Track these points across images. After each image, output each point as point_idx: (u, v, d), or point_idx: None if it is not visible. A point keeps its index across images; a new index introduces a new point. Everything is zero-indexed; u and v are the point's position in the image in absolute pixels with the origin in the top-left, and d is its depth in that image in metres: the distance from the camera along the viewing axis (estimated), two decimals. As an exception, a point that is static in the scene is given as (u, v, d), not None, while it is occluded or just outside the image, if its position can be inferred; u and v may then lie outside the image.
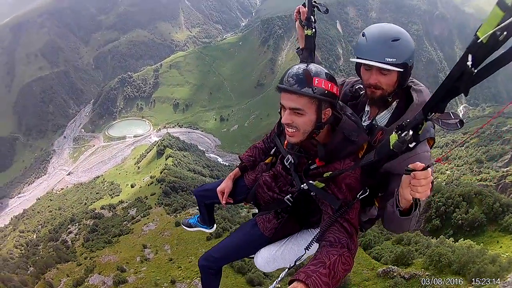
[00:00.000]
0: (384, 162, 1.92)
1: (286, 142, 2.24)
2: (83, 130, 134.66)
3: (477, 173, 60.13)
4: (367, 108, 2.45)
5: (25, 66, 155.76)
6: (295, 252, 2.47)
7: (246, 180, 2.79)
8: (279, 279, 1.96)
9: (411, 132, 1.57)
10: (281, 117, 2.22)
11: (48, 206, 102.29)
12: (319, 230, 2.01)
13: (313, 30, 2.69)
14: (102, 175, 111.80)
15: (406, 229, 2.06)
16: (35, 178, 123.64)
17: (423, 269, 17.53)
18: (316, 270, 1.66)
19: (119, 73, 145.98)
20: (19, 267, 47.42)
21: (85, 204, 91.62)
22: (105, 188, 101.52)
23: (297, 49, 3.00)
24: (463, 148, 78.37)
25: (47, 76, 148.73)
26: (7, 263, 66.98)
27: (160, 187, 66.93)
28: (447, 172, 70.11)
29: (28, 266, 47.35)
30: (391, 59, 2.01)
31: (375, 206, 2.36)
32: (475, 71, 1.17)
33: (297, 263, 2.21)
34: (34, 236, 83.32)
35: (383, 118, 2.32)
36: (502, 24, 1.02)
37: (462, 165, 71.15)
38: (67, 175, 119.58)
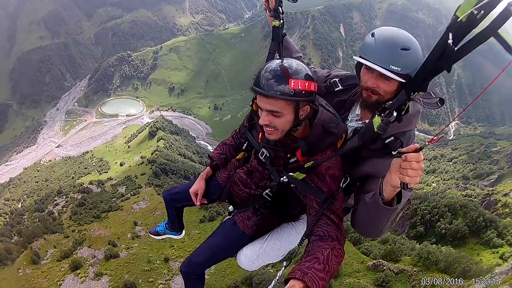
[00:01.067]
0: (367, 146, 1.95)
1: (260, 136, 2.21)
2: (76, 104, 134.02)
3: (463, 189, 60.96)
4: (357, 111, 2.36)
5: (26, 34, 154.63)
6: (278, 247, 2.47)
7: (219, 179, 2.73)
8: (277, 277, 1.93)
9: (395, 114, 1.59)
10: (251, 111, 2.35)
11: (35, 177, 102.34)
12: (307, 225, 1.99)
13: (281, 21, 2.59)
14: (91, 150, 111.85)
15: (381, 227, 1.98)
16: (24, 147, 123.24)
17: (411, 266, 18.21)
18: (311, 267, 1.65)
19: (118, 51, 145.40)
20: (3, 235, 47.37)
21: (73, 178, 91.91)
22: (93, 164, 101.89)
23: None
24: (451, 163, 79.52)
25: (47, 46, 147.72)
26: None
27: (151, 168, 67.32)
28: (433, 184, 71.31)
29: (13, 234, 47.43)
30: (396, 68, 1.91)
31: (351, 196, 2.39)
32: (456, 48, 1.23)
33: (284, 260, 2.23)
34: (19, 205, 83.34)
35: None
36: (480, 4, 1.08)
37: (448, 179, 72.22)
38: (56, 147, 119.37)
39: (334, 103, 2.32)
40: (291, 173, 2.03)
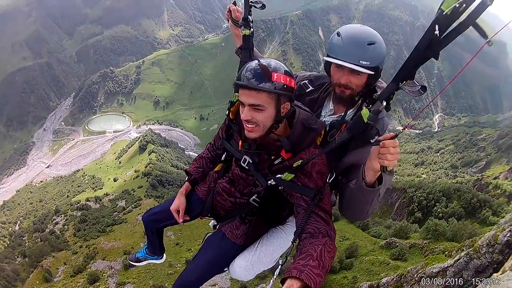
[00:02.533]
0: (356, 138, 2.02)
1: (240, 143, 2.21)
2: (63, 123, 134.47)
3: (452, 177, 61.56)
4: (330, 106, 2.47)
5: (9, 56, 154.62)
6: (271, 252, 2.48)
7: (199, 193, 2.69)
8: (274, 276, 1.96)
9: (384, 103, 1.71)
10: (226, 121, 2.39)
11: (29, 198, 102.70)
12: (296, 224, 2.04)
13: (251, 30, 2.64)
14: (82, 169, 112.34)
15: (366, 210, 2.11)
16: (14, 169, 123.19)
17: (421, 239, 19.35)
18: (306, 264, 1.67)
19: (101, 68, 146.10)
20: (7, 257, 47.50)
21: (68, 196, 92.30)
22: (86, 181, 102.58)
23: (235, 50, 2.92)
24: (438, 154, 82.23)
25: (30, 67, 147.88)
26: None
27: (147, 180, 68.20)
28: (423, 176, 72.25)
29: (15, 256, 47.26)
30: (365, 62, 2.05)
31: (333, 192, 2.47)
32: (441, 38, 1.40)
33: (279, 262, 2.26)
34: (17, 227, 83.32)
35: (348, 116, 2.37)
36: None
37: (437, 170, 74.32)
38: (46, 167, 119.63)
39: (306, 103, 2.43)
40: (279, 175, 2.06)
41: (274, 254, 2.49)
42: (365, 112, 1.79)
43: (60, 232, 56.03)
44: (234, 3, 2.76)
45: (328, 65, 2.29)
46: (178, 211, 2.61)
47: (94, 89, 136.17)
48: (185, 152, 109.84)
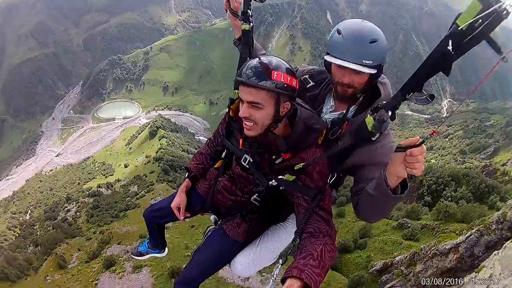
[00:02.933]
0: (358, 144, 2.01)
1: (241, 142, 2.19)
2: (71, 111, 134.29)
3: (461, 163, 61.88)
4: (331, 103, 2.43)
5: (15, 47, 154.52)
6: (271, 249, 2.49)
7: (200, 190, 2.69)
8: (274, 276, 1.92)
9: (389, 113, 1.67)
10: (226, 117, 2.38)
11: (39, 187, 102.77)
12: (297, 223, 2.02)
13: (250, 24, 2.58)
14: (91, 156, 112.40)
15: (388, 212, 2.08)
16: (23, 159, 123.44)
17: (432, 220, 19.66)
18: (307, 264, 1.66)
19: (108, 55, 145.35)
20: (19, 247, 47.46)
21: (79, 184, 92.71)
22: (96, 168, 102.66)
23: (233, 40, 2.89)
24: (447, 139, 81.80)
25: (36, 57, 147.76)
26: (1, 244, 67.64)
27: (159, 165, 67.86)
28: (432, 161, 71.65)
29: (27, 245, 47.17)
30: (368, 62, 1.99)
31: (335, 189, 2.52)
32: (454, 53, 1.34)
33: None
34: (28, 217, 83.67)
35: (350, 111, 2.33)
36: (480, 15, 1.17)
37: (446, 155, 74.00)
38: (56, 156, 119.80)
39: (307, 99, 2.40)
40: (280, 176, 2.05)
41: (275, 251, 2.50)
42: (369, 120, 1.77)
43: (72, 219, 56.42)
44: None
45: (329, 63, 2.20)
46: (178, 208, 2.60)
47: (102, 76, 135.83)
48: (195, 136, 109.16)
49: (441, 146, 79.62)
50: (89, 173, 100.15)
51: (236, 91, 2.17)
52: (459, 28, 1.28)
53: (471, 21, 1.23)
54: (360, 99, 2.27)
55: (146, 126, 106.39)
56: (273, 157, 2.07)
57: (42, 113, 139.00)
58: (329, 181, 2.06)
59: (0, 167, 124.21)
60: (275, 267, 1.95)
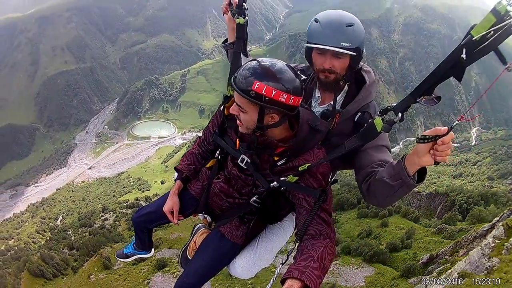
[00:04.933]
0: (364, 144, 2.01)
1: (237, 142, 2.16)
2: (106, 127, 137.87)
3: (489, 187, 61.76)
4: (317, 94, 2.45)
5: (50, 59, 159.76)
6: (270, 249, 2.49)
7: (193, 191, 2.59)
8: (275, 276, 1.95)
9: (400, 115, 1.71)
10: (218, 115, 2.40)
11: (70, 197, 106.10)
12: (298, 225, 2.02)
13: (246, 18, 2.53)
14: (126, 171, 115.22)
15: (397, 200, 2.16)
16: (54, 169, 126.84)
17: (467, 225, 22.20)
18: (307, 265, 1.68)
19: (144, 75, 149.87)
20: (52, 249, 47.64)
21: (114, 196, 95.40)
22: (131, 183, 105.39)
23: (223, 43, 2.86)
24: (475, 166, 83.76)
25: (72, 71, 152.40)
26: (29, 246, 69.33)
27: None
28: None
29: (61, 248, 47.25)
30: (346, 44, 2.06)
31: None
32: (466, 61, 1.44)
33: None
34: (58, 223, 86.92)
35: (337, 102, 2.33)
36: (494, 28, 1.30)
37: (474, 181, 75.07)
38: (88, 169, 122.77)
39: None
40: (283, 178, 2.04)
41: (274, 250, 2.51)
42: (378, 122, 1.78)
43: (111, 227, 56.92)
44: None
45: (309, 53, 2.29)
46: (172, 212, 2.51)
47: (138, 95, 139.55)
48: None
49: (470, 172, 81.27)
50: (124, 187, 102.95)
51: (230, 88, 2.25)
52: (473, 39, 1.36)
53: (484, 32, 1.32)
54: (346, 88, 2.34)
55: (183, 146, 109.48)
56: (275, 158, 2.06)
57: (76, 126, 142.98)
58: (330, 179, 2.15)
59: (29, 174, 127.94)
60: (276, 267, 1.92)
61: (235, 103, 1.92)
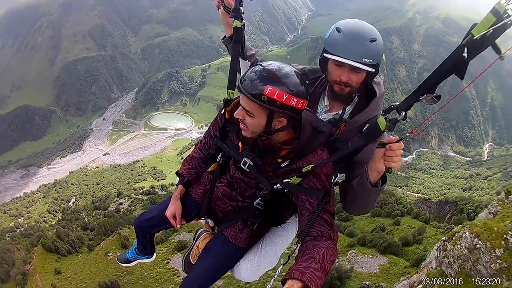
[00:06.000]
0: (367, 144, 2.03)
1: (240, 145, 2.15)
2: (124, 115, 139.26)
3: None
4: (326, 102, 2.43)
5: (71, 44, 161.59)
6: (275, 251, 2.49)
7: (195, 195, 2.57)
8: (275, 276, 1.94)
9: (403, 114, 1.73)
10: (219, 119, 2.39)
11: (83, 180, 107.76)
12: (301, 226, 2.03)
13: (243, 21, 2.45)
14: (141, 160, 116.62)
15: (370, 206, 2.18)
16: (68, 152, 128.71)
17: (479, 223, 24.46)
18: (309, 266, 1.69)
19: (165, 67, 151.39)
20: (65, 227, 47.55)
21: (129, 183, 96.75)
22: (146, 171, 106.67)
23: (223, 39, 2.82)
24: (485, 181, 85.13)
25: (93, 58, 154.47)
26: (39, 225, 69.94)
27: None
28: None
29: (74, 228, 47.39)
30: (368, 60, 2.02)
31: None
32: (467, 59, 1.49)
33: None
34: (71, 204, 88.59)
35: (345, 112, 2.32)
36: (494, 27, 1.35)
37: (483, 195, 75.52)
38: (103, 155, 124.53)
39: None
40: (286, 179, 2.04)
41: (277, 253, 2.51)
42: (381, 121, 1.81)
43: (126, 211, 57.49)
44: None
45: (325, 61, 2.23)
46: (174, 217, 2.49)
47: (158, 86, 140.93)
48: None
49: (479, 186, 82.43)
50: (139, 175, 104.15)
51: (230, 91, 2.27)
52: (474, 38, 1.42)
53: (484, 32, 1.37)
54: (356, 99, 2.34)
55: (199, 139, 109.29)
56: (279, 160, 2.07)
57: (93, 112, 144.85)
58: (333, 180, 2.16)
59: (43, 155, 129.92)
60: (277, 268, 2.08)
61: (240, 108, 1.90)
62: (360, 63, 2.01)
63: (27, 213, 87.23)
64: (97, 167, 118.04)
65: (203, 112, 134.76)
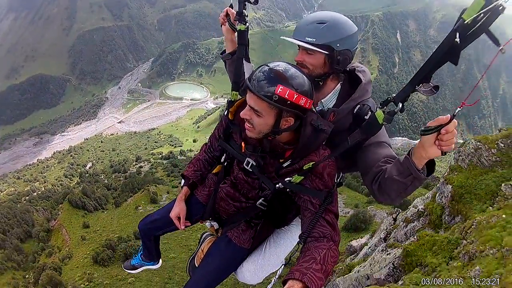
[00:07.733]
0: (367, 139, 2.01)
1: (243, 145, 2.13)
2: (139, 84, 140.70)
3: None
4: None
5: (87, 14, 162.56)
6: (278, 253, 2.45)
7: (200, 197, 2.55)
8: (276, 276, 1.94)
9: (400, 105, 1.66)
10: (223, 120, 2.32)
11: (99, 147, 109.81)
12: (303, 227, 1.99)
13: (246, 24, 2.45)
14: (156, 128, 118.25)
15: (410, 193, 1.97)
16: (83, 120, 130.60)
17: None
18: (309, 267, 1.67)
19: (181, 39, 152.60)
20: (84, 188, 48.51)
21: (146, 148, 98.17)
22: (162, 139, 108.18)
23: (221, 53, 2.73)
24: None
25: (109, 28, 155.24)
26: (57, 188, 70.90)
27: None
28: None
29: (95, 189, 47.32)
30: (311, 39, 2.01)
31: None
32: (460, 44, 1.43)
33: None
34: (87, 168, 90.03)
35: (328, 101, 2.27)
36: (483, 10, 1.31)
37: None
38: (118, 122, 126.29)
39: None
40: (288, 178, 1.99)
41: (281, 254, 2.48)
42: (379, 114, 1.75)
43: (149, 173, 58.77)
44: (231, 6, 2.58)
45: None
46: (179, 218, 2.48)
47: (174, 57, 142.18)
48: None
49: None
50: (155, 142, 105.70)
51: (234, 92, 2.26)
52: (465, 22, 1.38)
53: (475, 15, 1.34)
54: (338, 87, 2.29)
55: (216, 109, 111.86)
56: (281, 160, 2.03)
57: (109, 81, 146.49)
58: (337, 180, 2.13)
59: (57, 123, 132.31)
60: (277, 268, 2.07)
61: (247, 108, 1.86)
62: (301, 41, 2.02)
63: (43, 178, 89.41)
64: (112, 134, 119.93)
65: (218, 83, 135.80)
